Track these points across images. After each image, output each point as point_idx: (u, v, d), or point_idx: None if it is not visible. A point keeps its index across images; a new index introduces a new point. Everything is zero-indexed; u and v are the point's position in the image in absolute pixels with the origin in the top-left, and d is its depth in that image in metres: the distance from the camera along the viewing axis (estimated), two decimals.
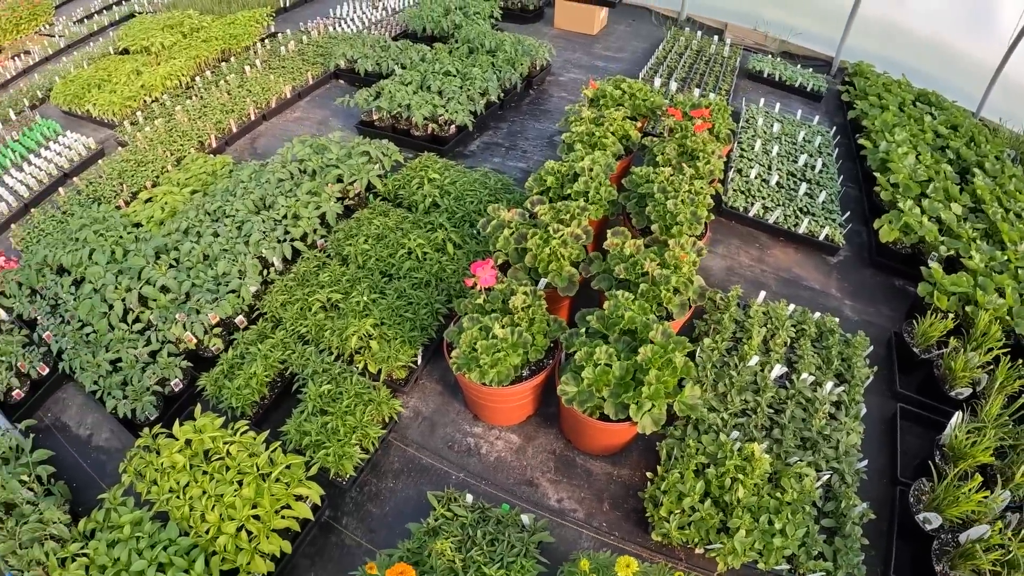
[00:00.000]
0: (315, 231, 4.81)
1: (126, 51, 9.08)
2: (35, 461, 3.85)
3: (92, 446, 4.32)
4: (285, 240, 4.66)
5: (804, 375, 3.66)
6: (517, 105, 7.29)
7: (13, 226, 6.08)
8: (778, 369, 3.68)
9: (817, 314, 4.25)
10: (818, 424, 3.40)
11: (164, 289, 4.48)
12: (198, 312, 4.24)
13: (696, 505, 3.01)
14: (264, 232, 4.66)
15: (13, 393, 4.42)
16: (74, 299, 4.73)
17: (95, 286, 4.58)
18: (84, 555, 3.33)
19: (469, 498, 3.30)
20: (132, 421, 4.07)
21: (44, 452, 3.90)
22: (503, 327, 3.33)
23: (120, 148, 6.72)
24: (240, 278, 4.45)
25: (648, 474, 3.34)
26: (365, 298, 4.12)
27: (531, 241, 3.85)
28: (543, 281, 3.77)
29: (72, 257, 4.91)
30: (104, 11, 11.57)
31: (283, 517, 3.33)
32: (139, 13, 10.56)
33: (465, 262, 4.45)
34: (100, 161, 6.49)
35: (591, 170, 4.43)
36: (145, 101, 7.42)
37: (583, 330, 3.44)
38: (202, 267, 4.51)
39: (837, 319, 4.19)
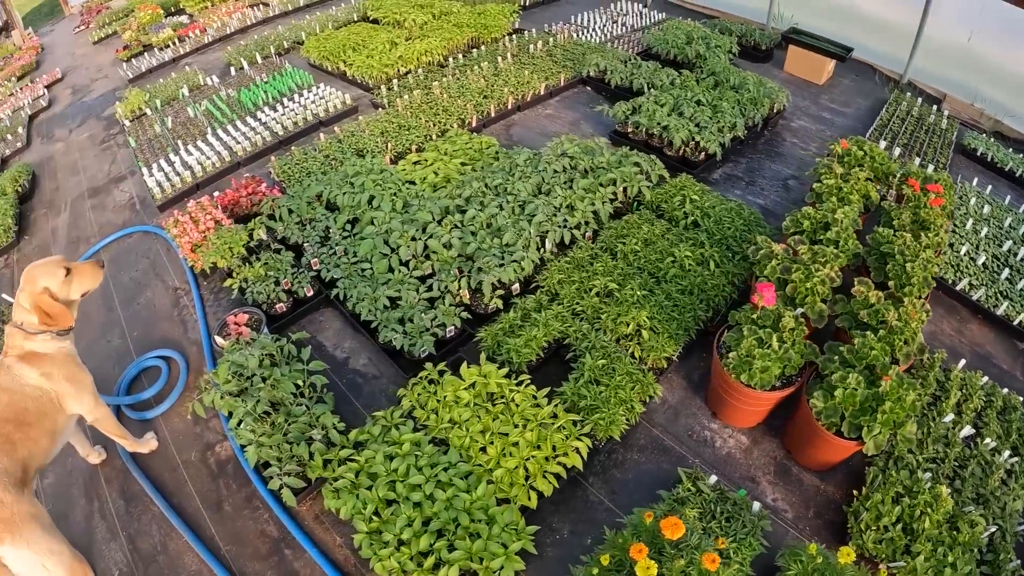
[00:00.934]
0: (587, 224, 5.62)
1: (374, 21, 10.57)
2: (311, 369, 4.72)
3: (348, 368, 5.19)
4: (565, 226, 5.48)
5: (987, 440, 4.32)
6: (754, 143, 7.95)
7: (272, 158, 7.28)
8: (967, 430, 4.34)
9: (1005, 390, 4.79)
10: (992, 485, 4.03)
11: (448, 245, 5.37)
12: (481, 272, 5.07)
13: (890, 526, 3.72)
14: (547, 215, 5.51)
15: (277, 307, 5.40)
16: (348, 236, 5.71)
17: (378, 230, 5.55)
18: (353, 461, 4.11)
19: (712, 479, 3.99)
20: (398, 354, 4.91)
21: (320, 364, 4.77)
22: (776, 342, 4.00)
23: (378, 110, 7.91)
24: (523, 251, 5.28)
25: (855, 492, 4.00)
26: (639, 292, 4.87)
27: (795, 275, 4.54)
28: (798, 310, 4.41)
29: (348, 198, 5.93)
30: None
31: (558, 463, 4.00)
32: None
33: (723, 279, 5.14)
34: (360, 118, 7.67)
35: (842, 222, 5.06)
36: (399, 71, 8.66)
37: (835, 357, 4.12)
38: (485, 234, 5.38)
39: (1021, 399, 4.73)
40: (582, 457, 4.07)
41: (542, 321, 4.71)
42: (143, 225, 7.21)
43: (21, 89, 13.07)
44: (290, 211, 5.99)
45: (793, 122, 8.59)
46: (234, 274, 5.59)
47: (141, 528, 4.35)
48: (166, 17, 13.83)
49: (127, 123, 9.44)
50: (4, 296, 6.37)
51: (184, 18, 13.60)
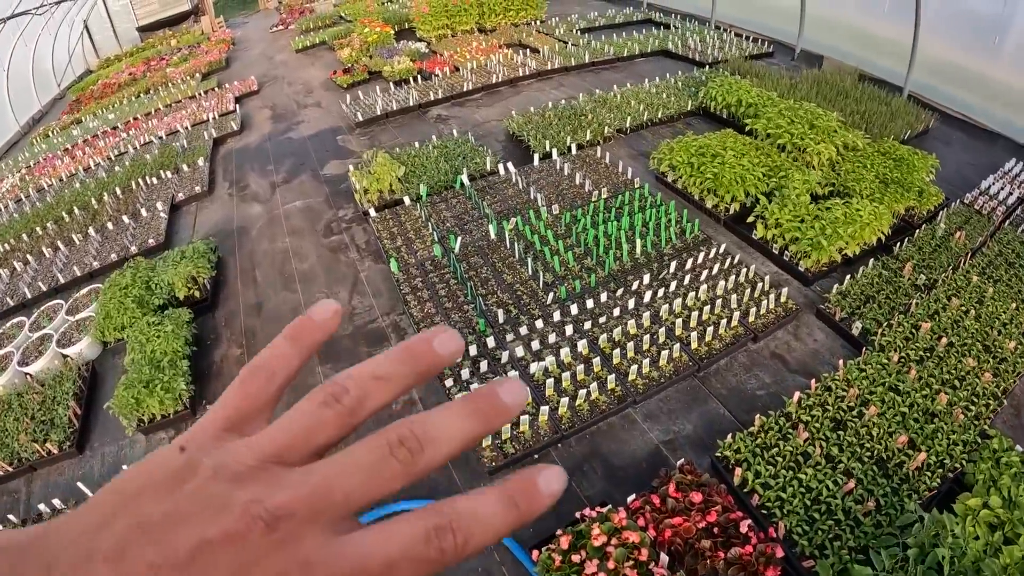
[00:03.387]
0: None
1: (736, 126, 6.67)
2: None
3: None
4: None
5: None
6: None
7: (730, 437, 3.44)
8: None
9: None
10: None
11: None
12: None
13: None
14: None
15: None
16: None
17: None
18: None
19: None
20: None
21: None
22: None
23: (863, 353, 4.01)
24: None
25: None
26: None
27: None
28: None
29: None
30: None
31: None
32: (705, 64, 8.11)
33: None
34: (841, 368, 3.79)
35: None
36: (839, 249, 4.79)
37: None
38: None
39: None
40: None
41: None
42: None
43: (205, 93, 9.53)
44: None
45: None
46: None
47: None
48: (398, 41, 10.14)
49: (372, 212, 5.70)
50: None
51: (421, 45, 9.88)
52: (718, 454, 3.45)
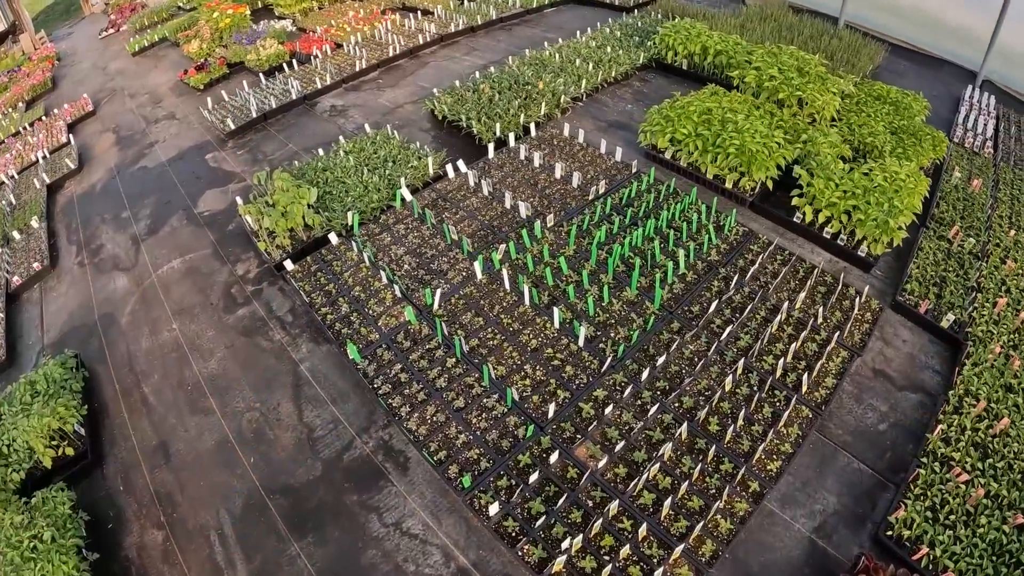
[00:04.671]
0: None
1: (713, 79, 5.49)
2: None
3: None
4: None
5: None
6: None
7: None
8: None
9: None
10: None
11: None
12: None
13: None
14: None
15: None
16: None
17: None
18: None
19: None
20: None
21: None
22: None
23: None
24: None
25: None
26: None
27: None
28: None
29: None
30: None
31: None
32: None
33: None
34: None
35: None
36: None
37: None
38: None
39: None
40: None
41: None
42: None
43: (31, 126, 7.02)
44: None
45: None
46: None
47: None
48: (255, 23, 7.96)
49: (288, 264, 3.99)
50: None
51: (286, 23, 7.78)
52: (889, 533, 2.59)
